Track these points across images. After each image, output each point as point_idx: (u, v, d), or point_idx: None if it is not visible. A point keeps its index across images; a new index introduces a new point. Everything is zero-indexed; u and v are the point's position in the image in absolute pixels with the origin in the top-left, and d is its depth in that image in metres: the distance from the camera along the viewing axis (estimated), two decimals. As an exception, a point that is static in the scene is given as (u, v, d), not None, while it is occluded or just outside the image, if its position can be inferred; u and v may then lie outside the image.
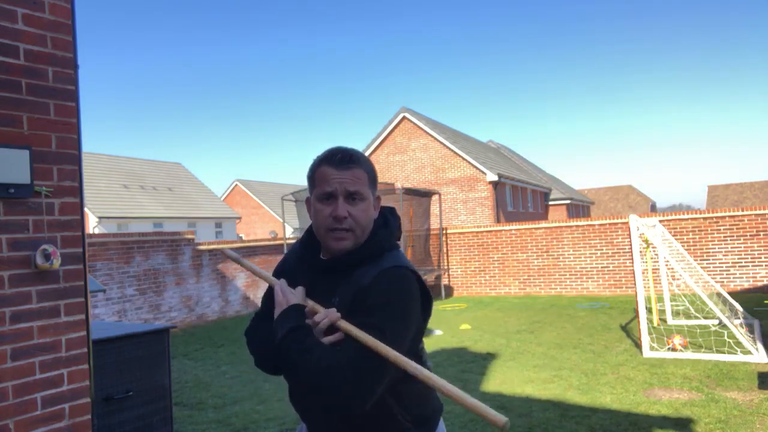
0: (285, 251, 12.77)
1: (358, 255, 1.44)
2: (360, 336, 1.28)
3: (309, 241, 1.55)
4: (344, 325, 1.32)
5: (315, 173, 1.47)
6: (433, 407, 1.55)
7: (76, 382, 2.48)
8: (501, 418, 1.15)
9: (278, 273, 1.60)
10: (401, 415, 1.44)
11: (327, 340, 1.34)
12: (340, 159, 1.44)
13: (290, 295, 1.43)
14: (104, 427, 3.25)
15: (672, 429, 4.11)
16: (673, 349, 6.28)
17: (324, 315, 1.35)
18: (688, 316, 8.23)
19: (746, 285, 10.57)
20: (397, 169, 22.76)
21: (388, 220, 1.55)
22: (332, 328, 1.34)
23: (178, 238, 10.42)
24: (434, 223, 14.64)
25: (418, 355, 1.47)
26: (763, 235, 10.50)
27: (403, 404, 1.44)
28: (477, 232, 13.18)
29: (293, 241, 13.69)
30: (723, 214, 10.87)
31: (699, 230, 10.97)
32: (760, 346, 6.05)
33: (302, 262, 1.55)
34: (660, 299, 9.00)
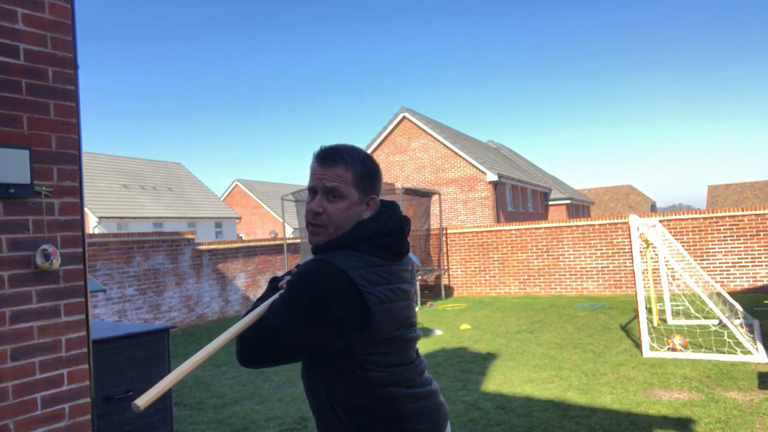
0: (285, 251, 12.78)
1: (318, 249, 1.49)
2: (259, 307, 1.45)
3: None
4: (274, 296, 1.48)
5: (310, 167, 1.52)
6: (383, 420, 1.43)
7: (76, 382, 2.48)
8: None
9: None
10: (336, 416, 1.44)
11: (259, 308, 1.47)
12: (324, 156, 1.47)
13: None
14: (104, 427, 3.24)
15: (672, 429, 4.11)
16: (673, 349, 6.28)
17: (282, 285, 1.50)
18: (688, 316, 8.23)
19: (746, 285, 10.56)
20: (397, 169, 22.75)
21: (366, 222, 1.48)
22: None
23: (178, 238, 10.41)
24: (434, 223, 14.64)
25: (357, 358, 1.40)
26: (763, 235, 10.50)
27: (335, 405, 1.44)
28: (477, 232, 13.18)
29: (293, 241, 13.68)
30: (723, 214, 10.87)
31: (699, 230, 10.97)
32: (760, 346, 6.05)
33: None
34: (660, 299, 9.00)
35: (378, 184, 1.54)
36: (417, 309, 11.46)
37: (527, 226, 12.66)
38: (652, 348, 6.43)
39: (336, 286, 1.35)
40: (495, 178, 21.07)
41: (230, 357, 7.46)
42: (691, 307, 7.83)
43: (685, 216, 11.12)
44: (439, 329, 8.74)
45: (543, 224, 12.49)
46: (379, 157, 22.90)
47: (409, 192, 13.14)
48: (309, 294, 1.35)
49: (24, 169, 2.32)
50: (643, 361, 6.03)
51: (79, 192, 2.54)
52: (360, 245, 1.44)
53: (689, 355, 6.10)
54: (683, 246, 10.63)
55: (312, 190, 1.48)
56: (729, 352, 6.03)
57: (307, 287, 1.36)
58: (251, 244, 12.32)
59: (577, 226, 12.14)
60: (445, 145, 21.96)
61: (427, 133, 22.30)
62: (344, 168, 1.46)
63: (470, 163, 21.53)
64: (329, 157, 1.46)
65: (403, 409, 1.45)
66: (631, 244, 7.04)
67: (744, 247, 10.63)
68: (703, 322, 7.71)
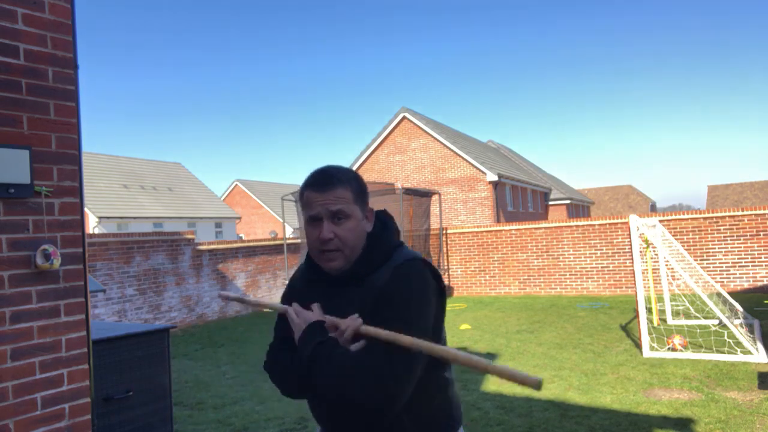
0: (285, 251, 12.78)
1: (370, 263, 1.46)
2: (384, 335, 1.30)
3: (311, 260, 1.56)
4: (367, 329, 1.34)
5: (302, 198, 1.49)
6: (446, 420, 1.52)
7: (76, 382, 2.48)
8: (534, 378, 1.14)
9: (287, 298, 1.60)
10: (410, 423, 1.42)
11: (355, 347, 1.35)
12: (320, 182, 1.46)
13: (308, 315, 1.45)
14: (104, 427, 3.24)
15: (672, 429, 4.11)
16: (673, 349, 6.28)
17: (347, 324, 1.36)
18: (688, 316, 8.23)
19: (746, 285, 10.56)
20: (397, 169, 22.76)
21: (385, 223, 1.58)
22: (357, 337, 1.36)
23: (178, 238, 10.41)
24: (434, 223, 14.64)
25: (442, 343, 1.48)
26: (763, 235, 10.50)
27: (412, 413, 1.42)
28: (477, 232, 13.18)
29: (293, 241, 13.68)
30: (723, 214, 10.87)
31: (699, 230, 10.97)
32: (760, 346, 6.05)
33: (310, 282, 1.56)
34: (660, 299, 8.99)
35: (368, 195, 1.59)
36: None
37: (527, 226, 12.66)
38: (652, 348, 6.43)
39: (433, 277, 1.47)
40: (495, 178, 21.07)
41: (230, 357, 7.47)
42: (691, 307, 7.83)
43: (685, 216, 11.11)
44: (439, 329, 8.73)
45: (543, 224, 12.49)
46: (379, 157, 22.92)
47: (409, 192, 13.14)
48: (431, 295, 1.44)
49: (24, 169, 2.32)
50: (643, 361, 6.03)
51: (79, 192, 2.54)
52: (398, 240, 1.55)
53: (689, 355, 6.10)
54: (683, 246, 10.62)
55: (315, 218, 1.45)
56: (729, 352, 6.03)
57: (429, 292, 1.43)
58: (251, 244, 12.32)
59: (577, 226, 12.14)
60: (445, 145, 21.96)
61: (427, 133, 22.31)
62: (342, 188, 1.45)
63: (470, 163, 21.53)
64: (326, 182, 1.45)
65: (454, 395, 1.54)
66: (631, 244, 7.04)
67: (744, 247, 10.63)
68: (703, 322, 7.71)
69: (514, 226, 12.82)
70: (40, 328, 2.37)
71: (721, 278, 10.68)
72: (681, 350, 6.24)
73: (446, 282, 13.38)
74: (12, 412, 2.26)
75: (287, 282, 1.61)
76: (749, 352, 5.89)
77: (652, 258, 8.82)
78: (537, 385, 1.12)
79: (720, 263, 10.78)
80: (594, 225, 11.97)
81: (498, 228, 13.03)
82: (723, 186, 53.55)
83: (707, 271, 10.62)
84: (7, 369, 2.26)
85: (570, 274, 12.10)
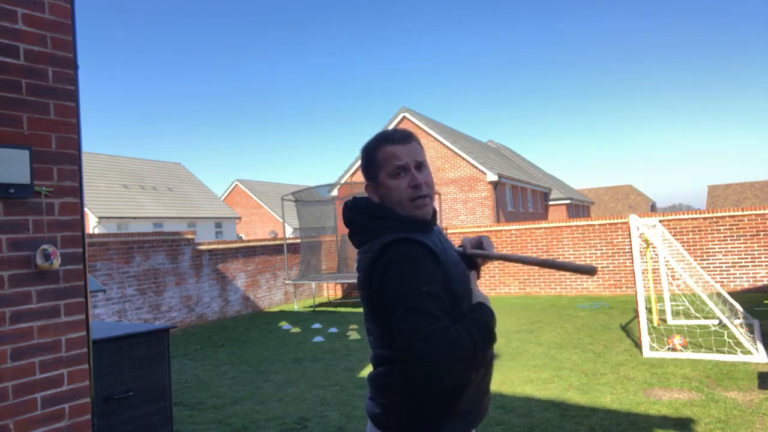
0: (285, 251, 12.78)
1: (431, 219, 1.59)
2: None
3: (411, 224, 1.52)
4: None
5: (378, 154, 1.53)
6: (435, 417, 1.42)
7: (76, 382, 2.48)
8: (590, 267, 1.36)
9: (444, 263, 1.46)
10: (397, 401, 1.45)
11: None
12: (401, 136, 1.55)
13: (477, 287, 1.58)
14: (104, 427, 3.25)
15: (672, 429, 4.11)
16: (673, 349, 6.28)
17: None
18: (688, 316, 8.23)
19: (746, 285, 10.56)
20: (397, 169, 22.71)
21: None
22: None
23: (178, 238, 10.41)
24: (434, 223, 14.63)
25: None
26: (763, 235, 10.50)
27: (408, 394, 1.43)
28: (477, 232, 13.17)
29: (293, 241, 13.67)
30: (723, 214, 10.87)
31: (699, 230, 10.97)
32: (760, 346, 6.05)
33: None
34: (660, 299, 9.00)
35: None
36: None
37: (527, 226, 12.66)
38: (652, 348, 6.43)
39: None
40: (495, 178, 21.07)
41: (230, 357, 7.46)
42: (691, 307, 7.83)
43: (685, 216, 11.11)
44: (439, 329, 8.72)
45: (543, 224, 12.49)
46: (379, 157, 22.84)
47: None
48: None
49: (24, 169, 2.32)
50: (643, 361, 6.03)
51: (79, 192, 2.54)
52: None
53: (689, 355, 6.10)
54: (683, 246, 10.62)
55: (403, 168, 1.51)
56: (729, 352, 6.03)
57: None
58: (251, 244, 12.32)
59: (577, 226, 12.14)
60: (445, 145, 21.95)
61: (427, 133, 22.30)
62: (417, 143, 1.57)
63: (470, 163, 21.53)
64: (406, 136, 1.55)
65: (450, 411, 1.50)
66: (631, 244, 7.04)
67: (744, 247, 10.63)
68: (703, 322, 7.71)
69: (514, 226, 12.82)
70: (40, 328, 2.37)
71: (721, 278, 10.68)
72: (681, 350, 6.25)
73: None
74: (12, 412, 2.26)
75: (424, 252, 1.41)
76: (749, 352, 5.89)
77: (652, 258, 8.81)
78: (592, 271, 1.35)
79: (720, 263, 10.78)
80: (594, 225, 11.97)
81: (498, 228, 13.03)
82: (723, 186, 53.53)
83: (707, 271, 10.62)
84: (7, 369, 2.26)
85: (570, 274, 12.09)
